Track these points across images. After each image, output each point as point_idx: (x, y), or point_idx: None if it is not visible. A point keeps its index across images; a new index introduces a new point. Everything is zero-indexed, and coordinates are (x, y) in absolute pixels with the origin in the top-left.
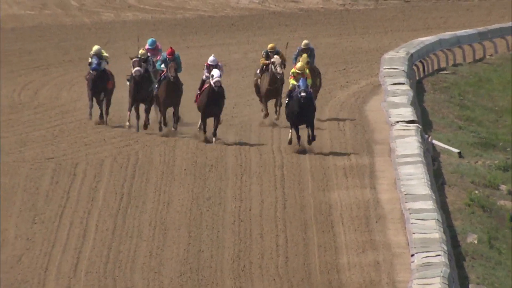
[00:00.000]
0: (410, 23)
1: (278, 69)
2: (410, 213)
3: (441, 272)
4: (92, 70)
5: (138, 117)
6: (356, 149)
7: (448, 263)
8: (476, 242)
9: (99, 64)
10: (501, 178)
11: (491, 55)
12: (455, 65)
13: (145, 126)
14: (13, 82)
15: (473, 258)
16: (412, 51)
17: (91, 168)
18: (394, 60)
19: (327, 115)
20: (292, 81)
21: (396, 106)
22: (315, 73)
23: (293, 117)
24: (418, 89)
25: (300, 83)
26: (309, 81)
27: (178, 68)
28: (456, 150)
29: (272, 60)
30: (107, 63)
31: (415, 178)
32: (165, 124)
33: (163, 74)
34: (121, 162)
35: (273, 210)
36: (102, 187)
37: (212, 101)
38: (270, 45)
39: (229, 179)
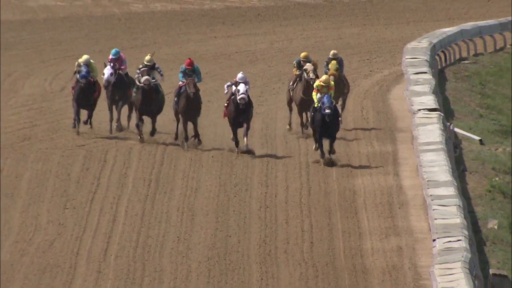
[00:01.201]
0: (433, 14)
1: (311, 75)
2: (432, 199)
3: (462, 257)
4: (81, 78)
5: (142, 121)
6: (379, 137)
7: (469, 248)
8: (496, 227)
9: (88, 72)
10: None
11: (511, 45)
12: (476, 55)
13: (152, 134)
14: (45, 72)
15: (494, 243)
16: (435, 41)
17: (120, 155)
18: (417, 50)
19: (351, 104)
20: (316, 96)
21: (418, 95)
22: (343, 82)
23: (317, 130)
24: (440, 78)
25: (325, 99)
26: (332, 93)
27: (198, 80)
28: (477, 138)
29: (304, 68)
30: (96, 76)
31: (437, 165)
32: (186, 139)
33: (182, 87)
34: (150, 149)
35: (298, 197)
36: (131, 174)
37: (241, 112)
38: (303, 54)
39: (256, 166)
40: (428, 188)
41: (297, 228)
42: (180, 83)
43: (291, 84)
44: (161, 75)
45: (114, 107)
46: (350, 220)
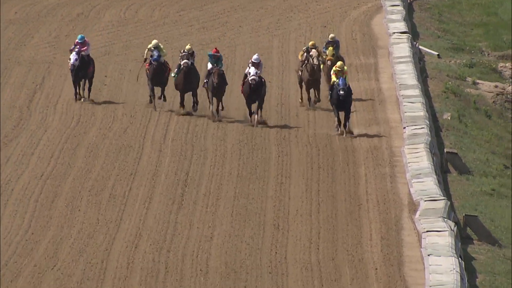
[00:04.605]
0: None
1: (315, 61)
2: (403, 98)
3: (425, 140)
4: (153, 61)
5: (183, 98)
6: (365, 52)
7: (429, 133)
8: (449, 118)
9: (159, 56)
10: (467, 73)
11: None
12: None
13: (194, 109)
14: (121, 4)
15: (447, 130)
16: None
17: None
18: None
19: (343, 29)
20: (334, 78)
21: (393, 21)
22: (339, 60)
23: (335, 105)
24: (409, 9)
25: (340, 81)
26: (346, 76)
27: (220, 66)
28: (436, 53)
29: (310, 53)
30: (165, 55)
31: (406, 73)
32: (217, 111)
33: (210, 70)
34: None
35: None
36: None
37: (254, 91)
38: (311, 42)
39: (274, 74)
40: (400, 90)
41: (304, 119)
42: (209, 66)
43: (300, 66)
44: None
45: (81, 83)
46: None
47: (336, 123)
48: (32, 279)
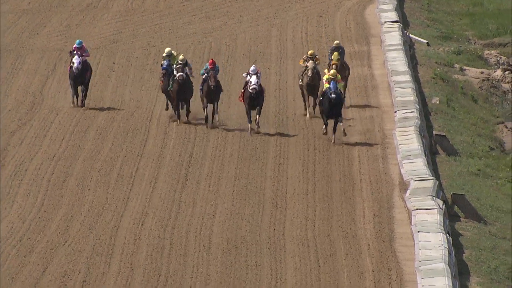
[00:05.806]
0: None
1: (309, 73)
2: (394, 84)
3: (415, 123)
4: (162, 69)
5: (178, 107)
6: (358, 40)
7: (419, 117)
8: (438, 103)
9: (169, 65)
10: (455, 60)
11: None
12: None
13: (187, 117)
14: None
15: (436, 114)
16: None
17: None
18: None
19: (338, 18)
20: (326, 85)
21: (385, 11)
22: (345, 67)
23: (325, 112)
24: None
25: (331, 85)
26: (340, 85)
27: (216, 75)
28: (425, 41)
29: (307, 64)
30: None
31: (397, 60)
32: (207, 118)
33: (206, 79)
34: (200, 52)
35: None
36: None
37: (254, 98)
38: (310, 52)
39: (272, 62)
40: (391, 76)
41: (301, 104)
42: (203, 76)
43: (300, 75)
44: (190, 68)
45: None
46: None
47: (324, 129)
48: (44, 254)
